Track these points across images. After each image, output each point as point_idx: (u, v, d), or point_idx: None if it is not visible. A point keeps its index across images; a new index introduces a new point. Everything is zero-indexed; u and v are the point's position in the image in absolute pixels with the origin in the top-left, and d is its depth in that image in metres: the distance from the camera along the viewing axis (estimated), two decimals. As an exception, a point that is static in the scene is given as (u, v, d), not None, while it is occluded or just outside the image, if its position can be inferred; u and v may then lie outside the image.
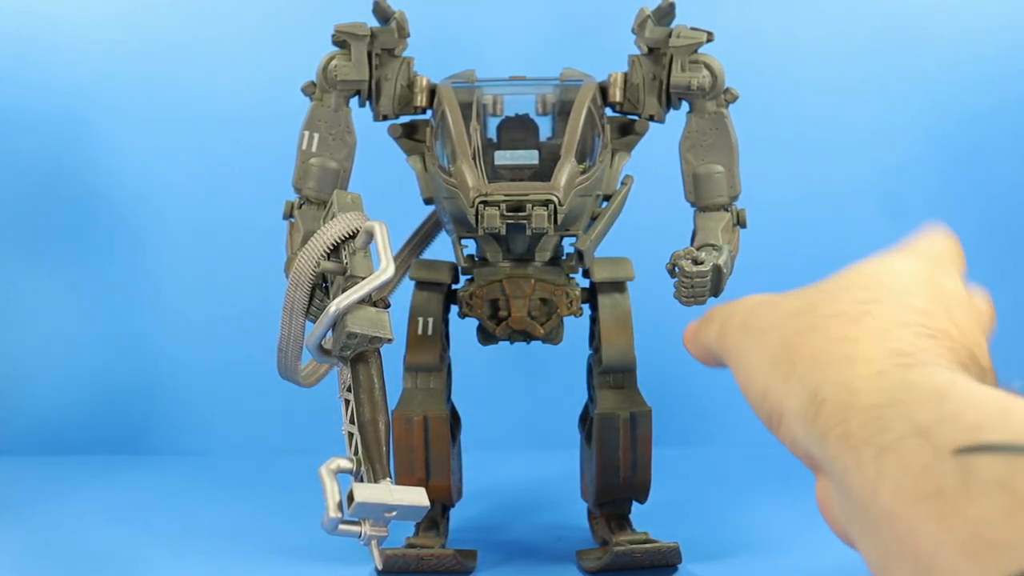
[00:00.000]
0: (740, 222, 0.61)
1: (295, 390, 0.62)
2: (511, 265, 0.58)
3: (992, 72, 1.03)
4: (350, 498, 0.48)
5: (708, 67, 0.58)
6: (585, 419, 0.64)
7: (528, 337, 0.59)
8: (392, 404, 0.58)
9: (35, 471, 0.83)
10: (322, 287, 0.54)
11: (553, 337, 0.60)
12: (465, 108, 0.57)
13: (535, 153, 0.57)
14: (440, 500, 0.60)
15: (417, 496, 0.49)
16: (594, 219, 0.58)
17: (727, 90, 0.60)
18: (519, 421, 0.91)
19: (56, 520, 0.69)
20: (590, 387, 0.63)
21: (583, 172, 0.56)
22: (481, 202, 0.54)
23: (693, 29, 0.58)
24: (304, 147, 0.60)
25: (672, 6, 0.58)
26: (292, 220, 0.60)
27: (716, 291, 0.57)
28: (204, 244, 0.96)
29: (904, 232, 1.13)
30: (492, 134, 0.59)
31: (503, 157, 0.56)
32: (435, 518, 0.60)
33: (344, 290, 0.51)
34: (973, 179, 1.04)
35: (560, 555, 0.61)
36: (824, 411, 0.32)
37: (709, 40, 0.59)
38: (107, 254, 0.95)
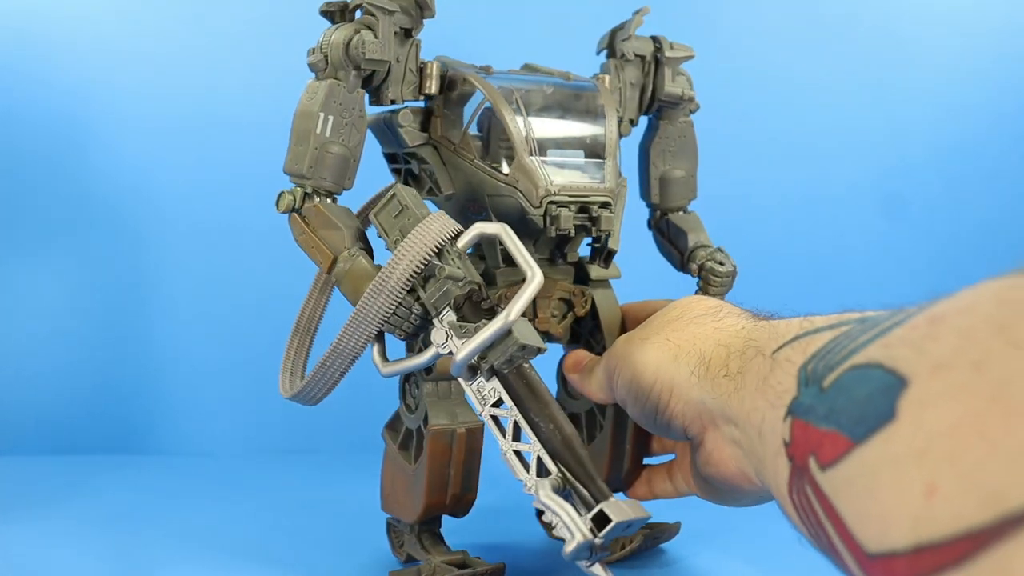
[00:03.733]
0: None
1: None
2: (538, 265, 0.57)
3: (991, 73, 1.03)
4: (601, 520, 0.45)
5: (688, 79, 0.63)
6: None
7: (547, 338, 0.59)
8: (386, 416, 0.57)
9: (35, 471, 0.83)
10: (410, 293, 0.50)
11: (564, 336, 0.60)
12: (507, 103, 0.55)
13: (581, 153, 0.56)
14: (459, 514, 0.57)
15: (641, 508, 0.47)
16: None
17: (692, 99, 0.64)
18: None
19: (56, 520, 0.69)
20: (564, 381, 0.62)
21: (620, 175, 0.57)
22: (550, 202, 0.53)
23: (676, 43, 0.62)
24: (317, 131, 0.53)
25: (645, 14, 0.61)
26: (298, 213, 0.54)
27: (729, 288, 0.62)
28: (204, 244, 0.96)
29: (903, 232, 1.13)
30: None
31: (554, 154, 0.55)
32: (438, 531, 0.57)
33: (484, 298, 0.49)
34: (973, 179, 1.04)
35: (553, 555, 0.61)
36: (712, 365, 0.46)
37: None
38: (107, 254, 0.95)
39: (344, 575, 0.58)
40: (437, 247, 0.49)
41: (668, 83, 0.62)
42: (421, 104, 0.58)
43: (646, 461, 0.61)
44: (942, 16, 1.05)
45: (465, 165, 0.55)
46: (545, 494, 0.46)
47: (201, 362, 0.95)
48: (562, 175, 0.55)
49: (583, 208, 0.54)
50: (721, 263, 0.61)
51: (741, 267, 0.62)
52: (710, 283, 0.61)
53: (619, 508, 0.46)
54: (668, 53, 0.61)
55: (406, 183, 0.59)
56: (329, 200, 0.54)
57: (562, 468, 0.48)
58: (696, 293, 0.62)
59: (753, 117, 0.99)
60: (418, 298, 0.50)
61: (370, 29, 0.54)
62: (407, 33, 0.55)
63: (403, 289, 0.49)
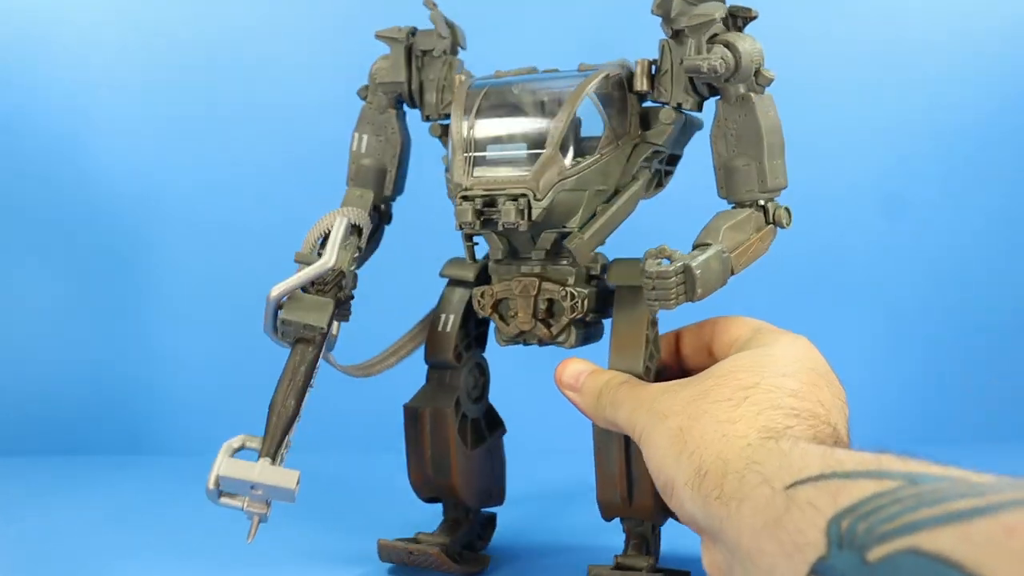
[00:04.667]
0: (775, 220, 0.56)
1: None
2: (522, 263, 0.56)
3: (991, 73, 1.03)
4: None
5: (729, 46, 0.52)
6: None
7: (541, 340, 0.57)
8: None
9: (35, 471, 0.83)
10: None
11: (564, 340, 0.56)
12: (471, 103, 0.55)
13: (524, 146, 0.54)
14: (449, 499, 0.59)
15: (285, 478, 0.49)
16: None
17: (758, 72, 0.53)
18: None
19: (56, 520, 0.69)
20: None
21: (576, 164, 0.53)
22: (462, 197, 0.52)
23: (712, 2, 0.53)
24: (354, 148, 0.61)
25: None
26: None
27: (691, 295, 0.50)
28: (204, 245, 0.96)
29: (903, 232, 1.13)
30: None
31: (493, 150, 0.54)
32: (458, 518, 0.59)
33: (343, 287, 0.53)
34: (972, 179, 1.04)
35: (574, 569, 0.60)
36: (706, 481, 0.41)
37: (747, 19, 0.53)
38: (107, 255, 0.96)
39: (344, 575, 0.58)
40: (319, 237, 0.55)
41: (688, 56, 0.52)
42: None
43: None
44: (943, 16, 1.04)
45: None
46: (227, 442, 0.50)
47: (201, 362, 0.95)
48: (487, 170, 0.53)
49: (492, 202, 0.52)
50: (667, 260, 0.50)
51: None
52: (643, 285, 0.50)
53: (237, 466, 0.48)
54: (681, 23, 0.52)
55: None
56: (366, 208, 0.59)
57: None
58: None
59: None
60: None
61: (389, 56, 0.60)
62: (429, 54, 0.59)
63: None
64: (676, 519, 0.49)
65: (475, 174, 0.53)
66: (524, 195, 0.51)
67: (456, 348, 0.59)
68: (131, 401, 0.94)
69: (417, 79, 0.60)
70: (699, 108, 0.55)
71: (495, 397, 0.62)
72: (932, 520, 0.29)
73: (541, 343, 0.57)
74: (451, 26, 0.60)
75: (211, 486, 0.49)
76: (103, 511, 0.72)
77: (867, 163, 1.03)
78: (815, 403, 0.44)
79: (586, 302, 0.55)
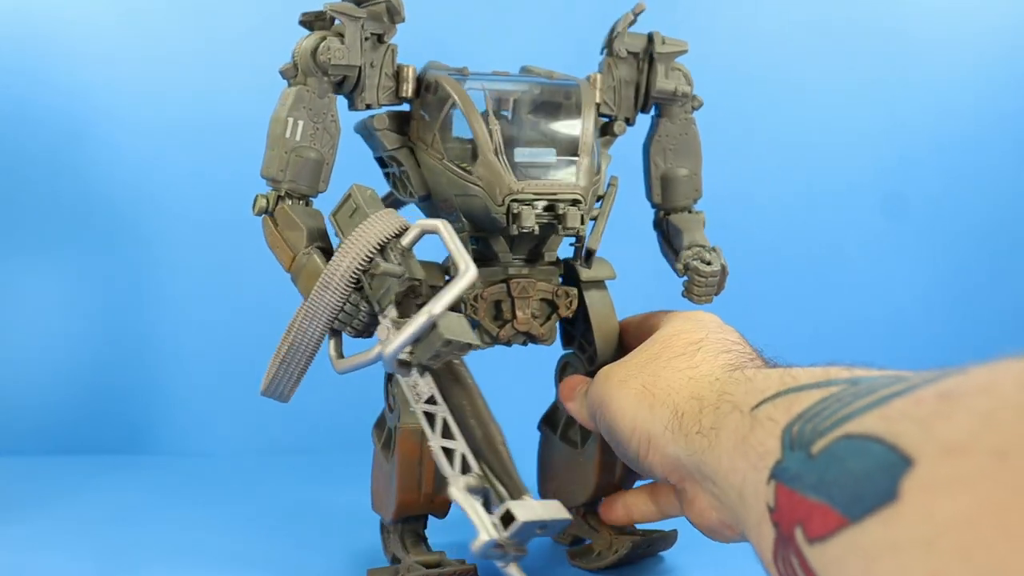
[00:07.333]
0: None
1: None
2: (515, 265, 0.58)
3: (992, 73, 1.03)
4: (507, 518, 0.44)
5: (685, 75, 0.61)
6: (550, 419, 0.64)
7: (529, 338, 0.58)
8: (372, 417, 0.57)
9: (35, 471, 0.83)
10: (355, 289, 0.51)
11: (549, 338, 0.59)
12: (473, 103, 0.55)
13: (552, 151, 0.56)
14: (442, 514, 0.58)
15: (560, 510, 0.46)
16: (593, 220, 0.58)
17: (694, 97, 0.62)
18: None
19: (56, 520, 0.69)
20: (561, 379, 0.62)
21: (596, 173, 0.56)
22: (513, 200, 0.53)
23: (670, 38, 0.61)
24: (287, 135, 0.54)
25: (641, 11, 0.60)
26: (269, 215, 0.55)
27: (719, 291, 0.59)
28: (205, 244, 0.96)
29: (903, 231, 1.13)
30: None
31: (523, 155, 0.55)
32: (421, 532, 0.58)
33: (421, 295, 0.49)
34: (973, 179, 1.04)
35: (549, 560, 0.60)
36: (685, 420, 0.45)
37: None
38: (107, 254, 0.95)
39: (342, 573, 0.58)
40: (380, 244, 0.50)
41: (660, 79, 0.60)
42: (405, 107, 0.58)
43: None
44: (942, 13, 1.05)
45: (435, 166, 0.56)
46: (456, 489, 0.46)
47: (201, 362, 0.95)
48: (528, 172, 0.54)
49: (550, 206, 0.54)
50: (708, 262, 0.59)
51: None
52: (694, 282, 0.59)
53: (528, 508, 0.45)
54: (659, 48, 0.60)
55: (394, 187, 0.60)
56: (302, 203, 0.55)
57: (483, 466, 0.47)
58: (683, 293, 0.60)
59: (752, 116, 0.99)
60: (366, 296, 0.50)
61: (339, 35, 0.55)
62: (379, 38, 0.56)
63: (347, 286, 0.50)
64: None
65: (519, 177, 0.54)
66: (581, 200, 0.54)
67: None
68: (131, 401, 0.94)
69: (361, 64, 0.55)
70: (634, 122, 0.62)
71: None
72: (861, 409, 0.33)
73: (526, 343, 0.59)
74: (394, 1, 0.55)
75: (492, 536, 0.44)
76: (103, 511, 0.72)
77: (867, 163, 1.03)
78: (744, 344, 0.50)
79: (575, 300, 0.59)
